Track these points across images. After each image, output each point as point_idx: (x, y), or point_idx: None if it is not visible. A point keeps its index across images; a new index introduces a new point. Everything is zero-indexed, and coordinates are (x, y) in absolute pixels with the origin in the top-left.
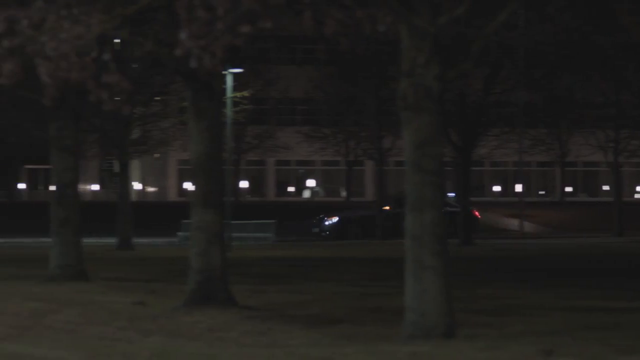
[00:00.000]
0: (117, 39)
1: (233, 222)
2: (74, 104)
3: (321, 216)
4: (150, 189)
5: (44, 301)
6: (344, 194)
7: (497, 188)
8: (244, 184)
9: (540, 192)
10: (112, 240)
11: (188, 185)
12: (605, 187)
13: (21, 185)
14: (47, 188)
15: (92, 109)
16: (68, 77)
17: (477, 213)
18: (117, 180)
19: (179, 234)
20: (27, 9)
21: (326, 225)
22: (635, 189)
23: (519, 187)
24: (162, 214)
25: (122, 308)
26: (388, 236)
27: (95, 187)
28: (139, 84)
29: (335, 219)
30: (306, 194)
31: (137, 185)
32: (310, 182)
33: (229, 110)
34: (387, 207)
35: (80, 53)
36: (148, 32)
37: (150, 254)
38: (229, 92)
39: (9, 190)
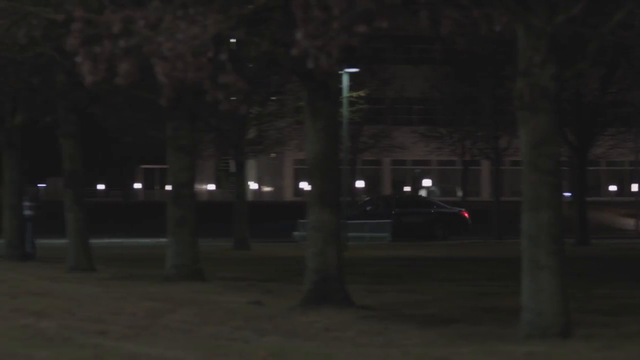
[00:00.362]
0: (233, 39)
1: (349, 221)
2: (190, 104)
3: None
4: (267, 189)
5: (160, 301)
6: (460, 193)
7: (613, 188)
8: (360, 184)
9: None
10: (228, 241)
11: (304, 185)
12: None
13: (137, 185)
14: (163, 188)
15: (208, 108)
16: (184, 78)
17: (466, 214)
18: (233, 180)
19: (295, 233)
20: (144, 9)
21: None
22: None
23: (635, 187)
24: (278, 214)
25: (238, 308)
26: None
27: (212, 187)
28: (255, 84)
29: None
30: (422, 193)
31: (253, 185)
32: (426, 182)
33: (345, 110)
34: (369, 208)
35: (196, 53)
36: (264, 32)
37: (266, 253)
38: (345, 92)
39: (125, 190)
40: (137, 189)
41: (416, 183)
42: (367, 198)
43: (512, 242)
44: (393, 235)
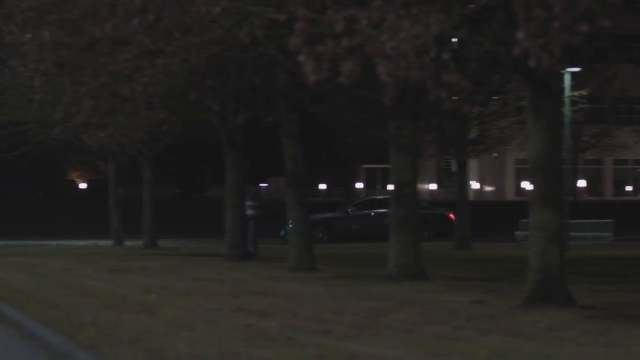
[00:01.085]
0: (456, 38)
1: (571, 221)
2: (413, 103)
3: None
4: (488, 188)
5: (382, 300)
6: None
7: None
8: (581, 183)
9: None
10: (450, 240)
11: (525, 185)
12: None
13: (359, 185)
14: (385, 187)
15: (431, 108)
16: (407, 77)
17: (452, 215)
18: (454, 180)
19: (517, 233)
20: (367, 8)
21: (291, 228)
22: None
23: None
24: (499, 213)
25: (460, 307)
26: (352, 239)
27: (433, 186)
28: (477, 83)
29: None
30: None
31: (474, 185)
32: None
33: (567, 110)
34: (351, 210)
35: (419, 52)
36: (486, 32)
37: (488, 253)
38: (567, 91)
39: (347, 189)
40: (359, 189)
41: (638, 183)
42: (360, 199)
43: None
44: (373, 239)
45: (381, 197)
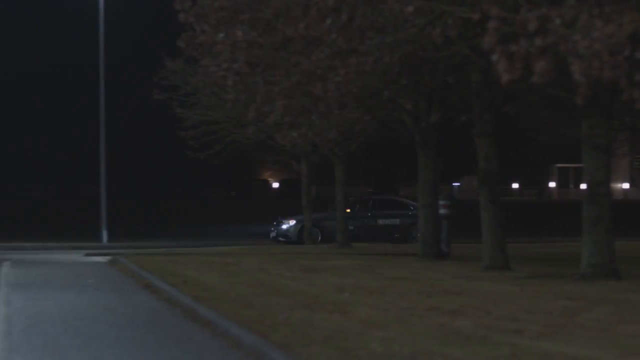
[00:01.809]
0: None
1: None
2: (606, 102)
3: (279, 219)
4: None
5: (575, 299)
6: None
7: None
8: None
9: None
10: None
11: None
12: None
13: (551, 184)
14: (578, 187)
15: (624, 107)
16: (600, 76)
17: None
18: None
19: None
20: (560, 7)
21: (283, 229)
22: None
23: None
24: None
25: None
26: (349, 239)
27: (626, 185)
28: None
29: (292, 222)
30: None
31: None
32: None
33: None
34: (347, 210)
35: (612, 51)
36: None
37: None
38: None
39: (540, 188)
40: (552, 188)
41: None
42: (351, 198)
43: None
44: (369, 238)
45: (378, 197)
